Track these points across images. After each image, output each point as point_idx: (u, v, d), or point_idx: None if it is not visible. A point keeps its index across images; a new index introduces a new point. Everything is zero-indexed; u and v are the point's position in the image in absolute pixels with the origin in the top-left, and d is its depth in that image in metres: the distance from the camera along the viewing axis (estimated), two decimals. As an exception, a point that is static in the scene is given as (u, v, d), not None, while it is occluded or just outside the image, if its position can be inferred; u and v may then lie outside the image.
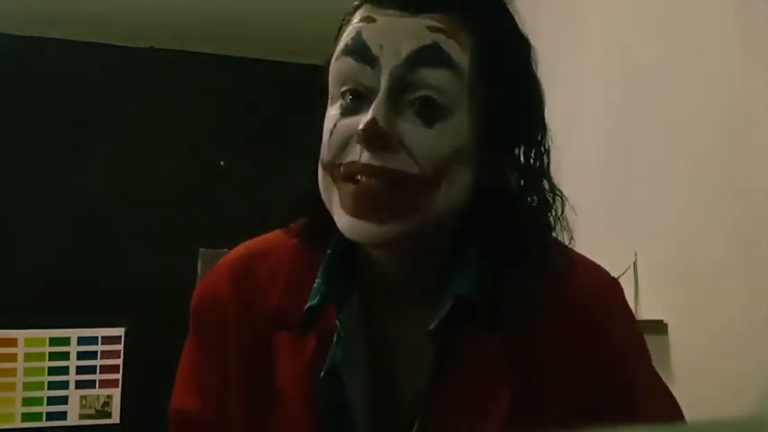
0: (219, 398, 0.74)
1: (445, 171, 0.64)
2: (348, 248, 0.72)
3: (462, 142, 0.65)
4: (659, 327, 1.70)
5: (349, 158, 0.64)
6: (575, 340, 0.69)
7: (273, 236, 0.79)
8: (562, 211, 0.72)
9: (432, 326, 0.66)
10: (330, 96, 0.68)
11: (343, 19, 0.70)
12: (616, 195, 1.95)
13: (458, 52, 0.64)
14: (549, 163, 0.71)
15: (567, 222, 0.72)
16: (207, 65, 3.06)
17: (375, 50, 0.63)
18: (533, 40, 0.73)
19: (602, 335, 0.71)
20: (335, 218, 0.66)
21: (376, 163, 0.62)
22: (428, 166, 0.63)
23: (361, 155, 0.63)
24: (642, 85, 1.90)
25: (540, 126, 0.71)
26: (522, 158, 0.70)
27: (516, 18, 0.71)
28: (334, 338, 0.69)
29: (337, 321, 0.69)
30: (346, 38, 0.66)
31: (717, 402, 1.52)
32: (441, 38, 0.63)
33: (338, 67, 0.66)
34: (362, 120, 0.62)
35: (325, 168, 0.67)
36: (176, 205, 2.91)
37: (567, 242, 0.73)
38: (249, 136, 3.01)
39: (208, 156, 3.00)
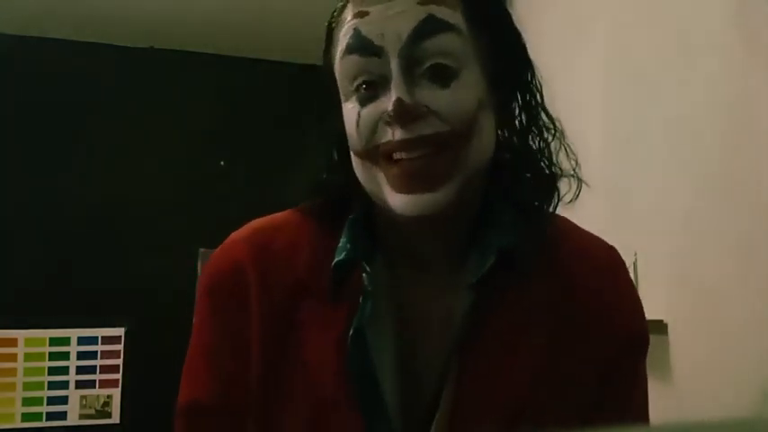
0: (233, 378, 0.72)
1: (473, 124, 0.67)
2: (369, 216, 0.74)
3: (480, 94, 0.68)
4: (659, 327, 1.70)
5: (383, 140, 0.67)
6: (600, 294, 0.74)
7: (282, 214, 0.80)
8: (563, 138, 0.76)
9: (475, 279, 0.69)
10: (342, 94, 0.70)
11: (332, 20, 0.72)
12: (616, 195, 1.95)
13: (451, 15, 0.68)
14: (543, 97, 0.76)
15: (572, 148, 0.77)
16: (207, 65, 3.06)
17: (377, 41, 0.66)
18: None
19: (620, 283, 0.77)
20: (387, 199, 0.68)
21: (411, 135, 0.66)
22: (457, 122, 0.66)
23: (393, 134, 0.66)
24: (642, 85, 1.90)
25: (531, 65, 0.76)
26: (521, 98, 0.75)
27: None
28: (361, 299, 0.69)
29: (364, 275, 0.70)
30: (345, 37, 0.68)
31: (717, 402, 1.52)
32: (432, 8, 0.67)
33: (345, 66, 0.68)
34: (385, 103, 0.66)
35: (360, 156, 0.69)
36: (176, 205, 2.91)
37: (574, 167, 0.77)
38: (249, 136, 3.01)
39: (208, 156, 3.00)
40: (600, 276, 0.75)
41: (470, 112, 0.67)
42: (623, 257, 0.80)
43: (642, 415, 0.76)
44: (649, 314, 1.78)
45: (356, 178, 0.71)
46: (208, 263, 0.78)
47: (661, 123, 1.81)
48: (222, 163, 3.01)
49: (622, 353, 0.74)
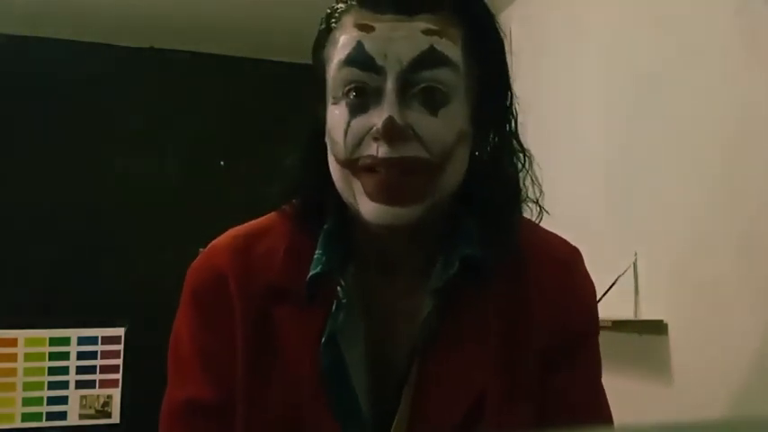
0: (227, 379, 0.75)
1: (449, 155, 0.70)
2: (343, 226, 0.77)
3: (462, 126, 0.72)
4: (659, 327, 1.70)
5: (366, 153, 0.69)
6: (552, 289, 0.78)
7: (265, 219, 0.82)
8: (531, 167, 0.80)
9: (438, 285, 0.73)
10: (331, 96, 0.72)
11: (331, 18, 0.73)
12: (616, 196, 1.96)
13: (451, 48, 0.70)
14: (517, 126, 0.80)
15: (537, 177, 0.81)
16: (207, 65, 3.06)
17: (379, 60, 0.68)
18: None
19: (575, 287, 0.80)
20: (359, 205, 0.71)
21: (394, 155, 0.68)
22: (436, 152, 0.69)
23: (378, 149, 0.68)
24: (642, 86, 1.90)
25: (512, 95, 0.80)
26: (498, 126, 0.79)
27: (490, 7, 0.78)
28: (334, 306, 0.73)
29: (339, 289, 0.73)
30: (347, 47, 0.70)
31: (717, 402, 1.52)
32: (435, 39, 0.69)
33: (343, 74, 0.70)
34: (376, 117, 0.68)
35: (342, 164, 0.71)
36: (176, 205, 2.91)
37: (537, 194, 0.81)
38: (249, 136, 3.01)
39: (208, 156, 3.00)
40: (556, 274, 0.79)
41: (450, 144, 0.70)
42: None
43: (594, 394, 0.80)
44: (649, 314, 1.79)
45: (331, 178, 0.74)
46: (190, 270, 0.81)
47: (661, 123, 1.81)
48: (222, 163, 3.01)
49: (572, 339, 0.77)
